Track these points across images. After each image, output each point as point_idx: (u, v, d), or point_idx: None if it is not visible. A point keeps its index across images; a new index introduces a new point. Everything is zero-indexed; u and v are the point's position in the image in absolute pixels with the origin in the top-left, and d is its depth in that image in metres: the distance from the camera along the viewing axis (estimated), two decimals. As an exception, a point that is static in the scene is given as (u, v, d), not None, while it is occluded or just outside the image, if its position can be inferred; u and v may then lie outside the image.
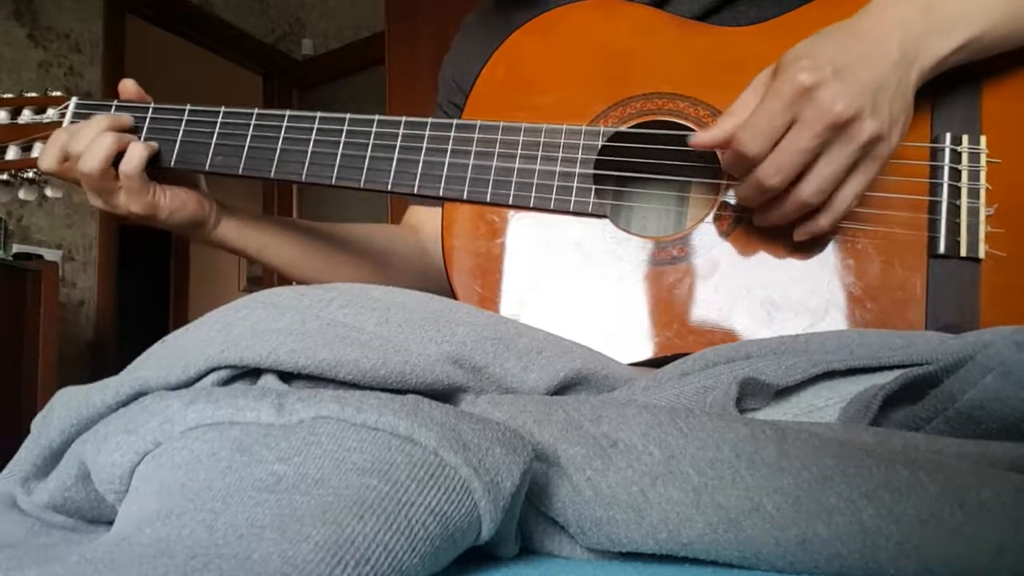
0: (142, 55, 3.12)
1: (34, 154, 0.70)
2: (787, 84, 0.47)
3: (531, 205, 0.59)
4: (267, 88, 3.73)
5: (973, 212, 0.52)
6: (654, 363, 0.54)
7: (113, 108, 0.68)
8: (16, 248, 2.40)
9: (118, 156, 0.65)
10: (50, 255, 2.48)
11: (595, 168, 0.59)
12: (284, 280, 3.43)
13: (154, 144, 0.66)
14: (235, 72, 3.60)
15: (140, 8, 3.02)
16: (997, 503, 0.27)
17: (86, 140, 0.64)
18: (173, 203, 0.68)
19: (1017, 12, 0.51)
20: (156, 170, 0.67)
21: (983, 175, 0.53)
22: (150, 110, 0.68)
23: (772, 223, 0.53)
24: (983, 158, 0.53)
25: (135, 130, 0.67)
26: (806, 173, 0.49)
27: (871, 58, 0.47)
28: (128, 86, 0.70)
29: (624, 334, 0.55)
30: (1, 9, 2.51)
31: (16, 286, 2.02)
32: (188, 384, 0.33)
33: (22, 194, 0.72)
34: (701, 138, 0.52)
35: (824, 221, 0.51)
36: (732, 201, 0.55)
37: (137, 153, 0.65)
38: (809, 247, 0.54)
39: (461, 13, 0.88)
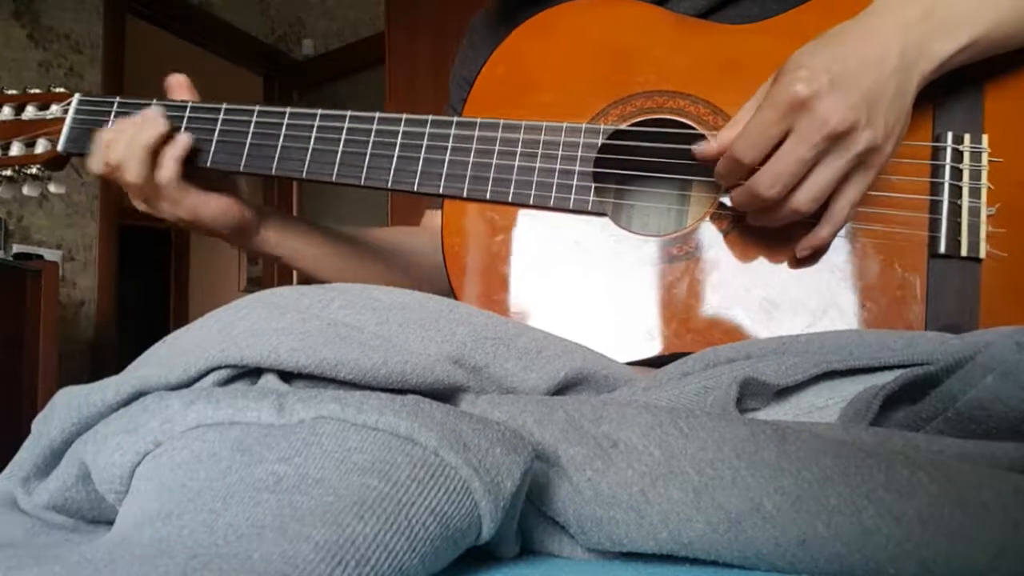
0: (142, 55, 3.11)
1: (38, 150, 0.70)
2: (783, 94, 0.47)
3: (530, 203, 0.59)
4: (267, 88, 3.73)
5: (974, 212, 0.52)
6: (654, 363, 0.54)
7: (115, 105, 0.68)
8: (16, 248, 2.41)
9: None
10: (50, 255, 2.48)
11: (595, 166, 0.59)
12: (285, 280, 3.43)
13: (187, 142, 0.64)
14: (235, 72, 3.60)
15: (140, 8, 3.02)
16: (997, 503, 0.27)
17: (121, 149, 0.63)
18: (216, 209, 0.67)
19: (1020, 11, 0.50)
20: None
21: (984, 174, 0.52)
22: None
23: (764, 224, 0.53)
24: (984, 157, 0.53)
25: (175, 131, 0.65)
26: (801, 183, 0.49)
27: (869, 66, 0.47)
28: (179, 81, 0.69)
29: (623, 333, 0.55)
30: (1, 9, 2.51)
31: (16, 286, 2.02)
32: (188, 384, 0.33)
33: (26, 190, 0.72)
34: (704, 150, 0.53)
35: (824, 232, 0.51)
36: (729, 202, 0.55)
37: (168, 162, 0.63)
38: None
39: (461, 13, 0.88)
